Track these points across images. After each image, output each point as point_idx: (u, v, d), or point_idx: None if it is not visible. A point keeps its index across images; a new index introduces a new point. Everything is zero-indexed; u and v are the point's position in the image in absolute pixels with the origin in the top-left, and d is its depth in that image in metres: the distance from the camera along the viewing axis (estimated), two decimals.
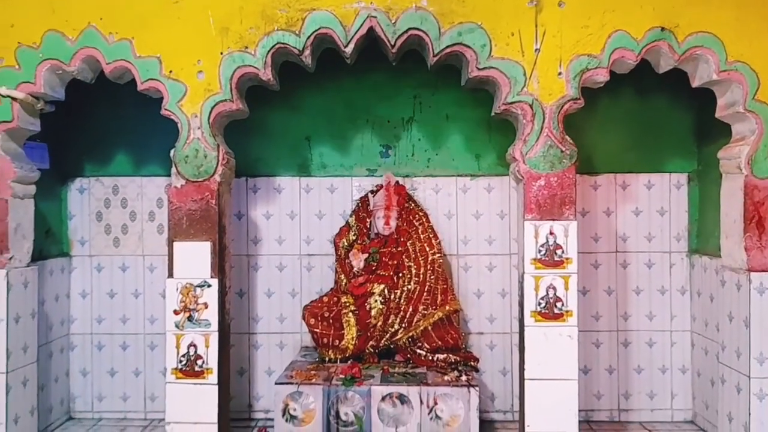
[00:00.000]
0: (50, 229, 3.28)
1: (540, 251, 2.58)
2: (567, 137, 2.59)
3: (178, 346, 2.63)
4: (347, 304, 3.14)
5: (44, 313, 3.12)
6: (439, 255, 3.18)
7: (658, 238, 3.37)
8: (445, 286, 3.14)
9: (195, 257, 2.62)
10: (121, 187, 3.43)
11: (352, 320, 3.11)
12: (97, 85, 2.81)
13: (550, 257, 2.57)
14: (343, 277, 3.23)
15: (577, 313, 2.57)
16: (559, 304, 2.57)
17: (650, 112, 3.35)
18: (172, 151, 2.62)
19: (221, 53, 2.59)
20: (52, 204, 3.32)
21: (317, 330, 3.12)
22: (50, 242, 3.28)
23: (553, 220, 2.58)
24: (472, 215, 3.40)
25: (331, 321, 3.12)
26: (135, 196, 3.43)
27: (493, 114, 2.79)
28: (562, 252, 2.57)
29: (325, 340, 3.10)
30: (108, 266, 3.44)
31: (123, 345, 3.44)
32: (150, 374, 3.43)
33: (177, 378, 2.63)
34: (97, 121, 3.39)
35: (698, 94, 2.85)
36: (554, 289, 2.57)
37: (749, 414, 2.51)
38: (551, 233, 2.57)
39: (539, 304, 2.57)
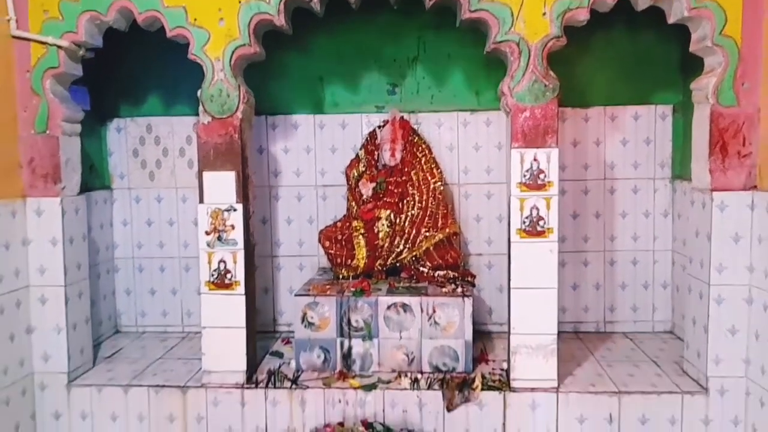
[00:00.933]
0: (93, 165, 3.67)
1: (525, 176, 2.89)
2: (551, 72, 2.87)
3: (210, 262, 3.03)
4: (358, 228, 3.51)
5: (92, 239, 3.53)
6: (440, 183, 3.51)
7: (644, 165, 3.66)
8: (445, 212, 3.49)
9: (222, 185, 2.99)
10: (154, 126, 3.80)
11: (362, 242, 3.48)
12: (129, 34, 3.13)
13: (534, 181, 2.89)
14: (354, 204, 3.60)
15: (557, 230, 2.90)
16: (541, 223, 2.90)
17: (638, 47, 3.58)
18: (199, 92, 2.96)
19: (239, 2, 2.89)
20: (94, 142, 3.69)
21: (332, 251, 3.50)
22: (93, 177, 3.67)
23: (537, 147, 2.88)
24: (472, 147, 3.71)
25: (343, 243, 3.50)
26: (166, 134, 3.80)
27: (485, 52, 3.07)
28: (545, 176, 2.88)
29: (339, 260, 3.49)
30: (145, 198, 3.85)
31: (161, 267, 3.87)
32: (186, 292, 3.87)
33: (210, 289, 3.04)
34: (131, 66, 3.73)
35: (683, 30, 3.07)
36: (537, 209, 2.89)
37: (708, 317, 2.86)
38: (535, 159, 2.88)
39: (524, 222, 2.90)
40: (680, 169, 3.57)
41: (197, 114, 3.05)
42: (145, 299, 3.89)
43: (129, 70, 3.74)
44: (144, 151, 3.82)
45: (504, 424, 2.94)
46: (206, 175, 3.00)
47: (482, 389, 2.96)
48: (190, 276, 3.84)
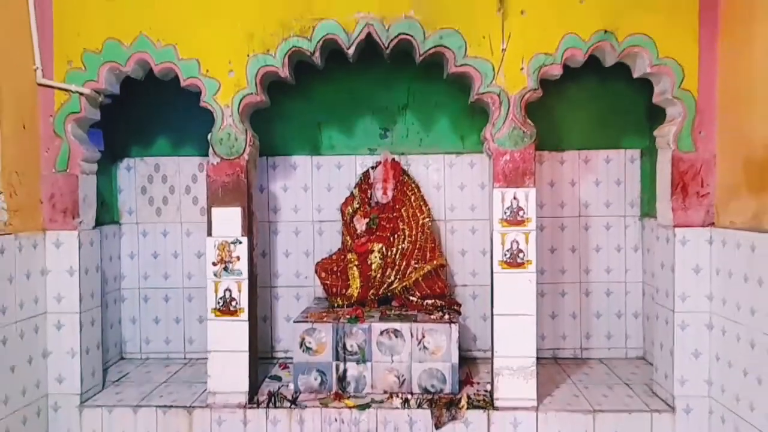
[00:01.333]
0: (104, 201, 3.93)
1: (506, 213, 3.19)
2: (528, 120, 3.20)
3: (216, 291, 3.28)
4: (352, 260, 3.78)
5: (101, 270, 3.77)
6: (428, 219, 3.81)
7: (615, 204, 3.98)
8: (433, 245, 3.78)
9: (229, 220, 3.26)
10: (162, 166, 4.08)
11: (356, 273, 3.75)
12: (139, 81, 3.43)
13: (514, 217, 3.19)
14: (348, 238, 3.88)
15: (535, 262, 3.18)
16: (521, 255, 3.19)
17: (609, 97, 3.93)
18: (209, 135, 3.25)
19: (248, 55, 3.20)
20: (105, 180, 3.95)
21: (327, 282, 3.76)
22: (104, 212, 3.92)
23: (517, 187, 3.19)
24: (458, 186, 4.02)
25: (339, 274, 3.76)
26: (173, 173, 4.08)
27: (470, 102, 3.40)
28: (524, 213, 3.18)
29: (334, 289, 3.75)
30: (152, 232, 4.10)
31: (165, 297, 4.11)
32: (188, 321, 4.10)
33: (216, 316, 3.28)
34: (141, 110, 4.02)
35: (648, 82, 3.40)
36: (517, 242, 3.19)
37: (673, 342, 3.14)
38: (515, 198, 3.18)
39: (505, 255, 3.19)
40: (648, 208, 3.88)
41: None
42: (149, 327, 4.12)
43: (139, 114, 4.03)
44: (152, 189, 4.08)
45: None
46: (215, 210, 3.27)
47: (468, 408, 3.21)
48: (192, 305, 4.08)
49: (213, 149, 3.26)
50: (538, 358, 3.25)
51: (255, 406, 3.28)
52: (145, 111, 4.02)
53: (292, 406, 3.27)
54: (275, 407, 3.27)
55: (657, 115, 3.54)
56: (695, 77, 3.12)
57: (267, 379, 3.65)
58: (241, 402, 3.28)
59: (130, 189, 4.09)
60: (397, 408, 3.24)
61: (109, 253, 3.96)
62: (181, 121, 3.98)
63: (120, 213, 4.10)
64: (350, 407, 3.24)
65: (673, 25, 3.12)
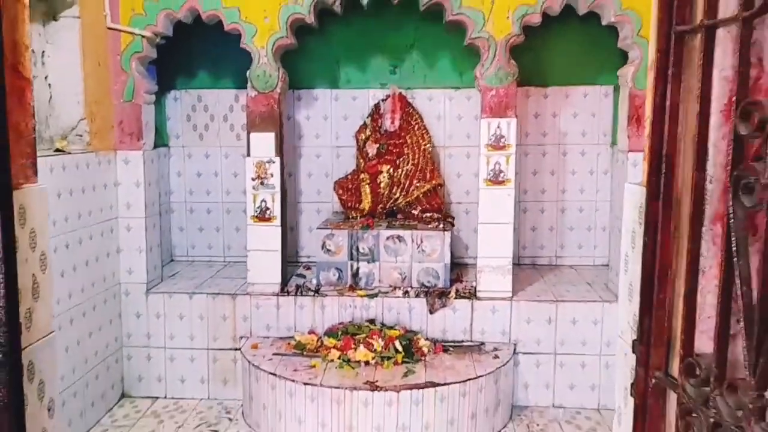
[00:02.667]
0: (156, 127, 4.64)
1: (491, 139, 3.88)
2: (512, 61, 3.84)
3: (254, 201, 4.04)
4: (364, 179, 4.50)
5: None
6: (429, 145, 4.51)
7: (590, 134, 4.65)
8: (432, 167, 4.50)
9: (264, 143, 3.98)
10: (203, 97, 4.78)
11: (368, 190, 4.48)
12: (185, 24, 4.08)
13: (497, 143, 3.88)
14: (361, 161, 4.59)
15: (513, 180, 3.90)
16: (502, 174, 3.90)
17: (587, 40, 4.50)
18: (247, 72, 3.93)
19: (280, 5, 3.85)
20: (156, 109, 4.65)
21: (344, 197, 4.51)
22: (156, 136, 4.64)
23: (500, 117, 3.87)
24: (456, 117, 4.69)
25: (353, 191, 4.50)
26: (213, 103, 4.77)
27: (465, 44, 4.04)
28: (505, 140, 3.87)
29: (349, 204, 4.50)
30: (195, 154, 4.84)
31: (207, 210, 4.88)
32: (227, 230, 4.89)
33: (254, 222, 4.05)
34: (186, 49, 4.68)
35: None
36: (499, 164, 3.89)
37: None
38: (498, 127, 3.87)
39: (489, 174, 3.90)
40: (616, 137, 4.55)
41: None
42: (194, 235, 4.91)
43: (184, 52, 4.69)
44: (195, 117, 4.80)
45: (471, 323, 3.98)
46: (253, 135, 3.99)
47: (456, 298, 3.99)
48: (231, 217, 4.86)
49: (251, 84, 3.95)
50: (518, 265, 4.01)
51: (285, 294, 4.09)
52: (189, 50, 4.69)
53: (315, 294, 4.07)
54: (302, 295, 4.07)
55: (627, 56, 4.16)
56: (650, 26, 3.72)
57: (294, 277, 4.45)
58: (275, 291, 4.09)
59: (177, 117, 4.81)
60: (399, 297, 4.03)
61: (161, 172, 4.70)
62: (219, 58, 4.65)
63: (169, 137, 4.83)
64: (362, 296, 4.04)
65: None
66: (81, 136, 3.74)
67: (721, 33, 1.39)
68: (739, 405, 1.24)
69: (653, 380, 1.54)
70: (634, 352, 1.64)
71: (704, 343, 1.42)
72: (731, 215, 1.26)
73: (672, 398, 1.49)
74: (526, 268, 4.66)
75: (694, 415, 1.37)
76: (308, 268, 4.62)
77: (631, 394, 1.63)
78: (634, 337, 1.65)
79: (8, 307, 1.69)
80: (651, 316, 1.56)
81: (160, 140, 4.73)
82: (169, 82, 4.75)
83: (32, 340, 1.83)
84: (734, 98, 1.29)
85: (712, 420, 1.31)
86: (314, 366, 3.64)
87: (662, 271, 1.53)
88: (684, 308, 1.44)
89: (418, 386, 3.44)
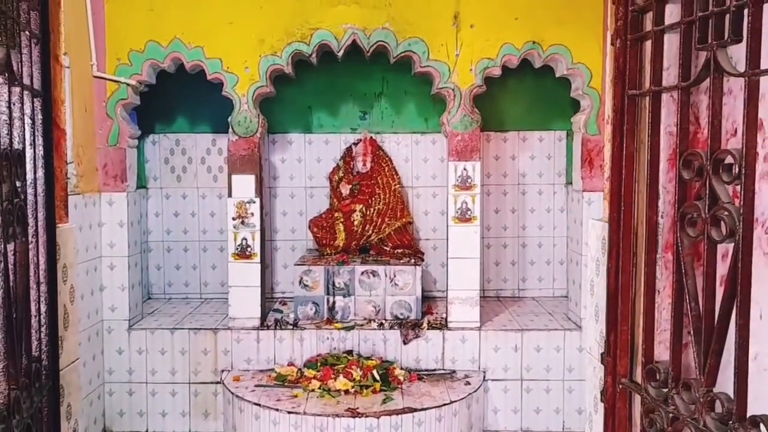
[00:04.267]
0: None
1: (458, 180, 4.19)
2: (475, 109, 4.18)
3: (235, 239, 4.23)
4: (338, 217, 4.75)
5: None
6: (398, 186, 4.80)
7: (546, 174, 5.02)
8: (402, 206, 4.79)
9: (245, 184, 4.20)
10: (182, 141, 4.98)
11: (342, 228, 4.73)
12: (165, 72, 4.31)
13: (464, 184, 4.19)
14: (335, 200, 4.85)
15: (480, 218, 4.21)
16: (468, 212, 4.20)
17: (542, 90, 4.89)
18: (229, 118, 4.16)
19: (260, 56, 4.12)
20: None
21: (319, 235, 4.74)
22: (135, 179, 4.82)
23: (466, 161, 4.19)
24: (422, 160, 5.01)
25: (327, 229, 4.74)
26: (191, 146, 4.98)
27: (431, 93, 4.37)
28: (471, 180, 4.19)
29: (324, 241, 4.73)
30: (173, 195, 5.01)
31: (185, 248, 5.04)
32: (204, 268, 5.05)
33: (235, 259, 4.24)
34: (165, 95, 4.89)
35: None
36: (466, 203, 4.20)
37: (581, 277, 4.21)
38: (464, 169, 4.19)
39: (457, 212, 4.20)
40: (570, 178, 4.92)
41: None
42: (171, 273, 5.05)
43: (163, 98, 4.89)
44: (173, 159, 4.99)
45: (443, 352, 4.23)
46: (234, 177, 4.21)
47: (428, 329, 4.24)
48: (207, 255, 5.03)
49: (233, 129, 4.19)
50: (484, 297, 4.29)
51: (265, 328, 4.27)
52: (168, 96, 4.89)
53: (294, 328, 4.27)
54: (281, 329, 4.26)
55: (578, 104, 4.57)
56: (600, 77, 4.13)
57: (271, 311, 4.63)
58: (255, 325, 4.26)
59: (155, 160, 4.99)
60: (374, 329, 4.26)
61: (139, 212, 4.86)
62: (197, 104, 4.87)
63: (147, 179, 5.00)
64: (338, 329, 4.25)
65: (584, 38, 4.11)
66: (69, 179, 3.89)
67: (665, 97, 1.72)
68: (693, 400, 1.53)
69: (620, 386, 1.82)
70: (602, 363, 1.92)
71: (662, 351, 1.71)
72: (679, 244, 1.56)
73: (636, 400, 1.78)
74: (490, 300, 4.95)
75: (656, 412, 1.65)
76: (284, 303, 4.81)
77: (602, 400, 1.91)
78: (602, 351, 1.93)
79: (51, 334, 1.88)
80: (616, 331, 1.85)
81: (139, 182, 4.89)
82: (149, 126, 4.94)
83: (63, 365, 2.01)
84: (677, 149, 1.61)
85: (671, 415, 1.60)
86: (296, 396, 3.82)
87: (624, 292, 1.83)
88: (644, 323, 1.74)
89: (396, 412, 3.65)
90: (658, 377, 1.65)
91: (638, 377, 1.76)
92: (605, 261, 1.93)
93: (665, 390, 1.63)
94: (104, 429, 4.22)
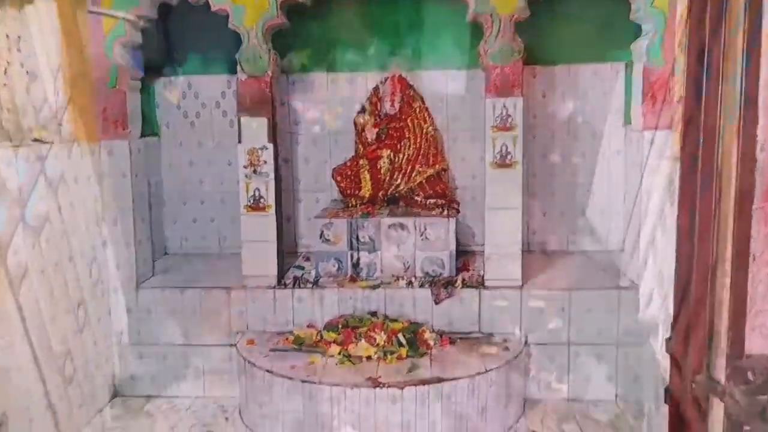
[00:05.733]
0: (145, 116, 4.43)
1: (497, 120, 3.66)
2: (517, 38, 3.61)
3: (247, 190, 3.83)
4: (364, 165, 4.29)
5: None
6: (431, 128, 4.29)
7: (600, 113, 4.41)
8: (435, 151, 4.28)
9: (256, 129, 3.77)
10: (194, 84, 4.56)
11: (368, 176, 4.27)
12: (172, 8, 3.87)
13: (503, 124, 3.66)
14: (360, 146, 4.38)
15: (521, 162, 3.68)
16: (509, 156, 3.68)
17: (598, 12, 4.24)
18: (237, 54, 3.71)
19: None
20: (145, 97, 4.44)
21: (342, 184, 4.30)
22: (145, 126, 4.42)
23: (506, 97, 3.64)
24: (459, 98, 4.46)
25: (352, 178, 4.29)
26: (204, 90, 4.56)
27: (467, 20, 3.80)
28: (512, 120, 3.65)
29: (348, 191, 4.28)
30: (186, 143, 4.63)
31: (201, 200, 4.68)
32: (221, 221, 4.68)
33: (248, 211, 3.85)
34: (175, 34, 4.47)
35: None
36: (506, 146, 3.67)
37: (639, 234, 3.65)
38: (504, 107, 3.65)
39: (496, 156, 3.69)
40: (630, 117, 4.30)
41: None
42: (188, 227, 4.71)
43: (173, 38, 4.47)
44: (185, 104, 4.58)
45: (479, 314, 3.77)
46: (244, 120, 3.78)
47: (462, 287, 3.78)
48: (225, 207, 4.64)
49: (241, 67, 3.73)
50: (528, 250, 3.78)
51: (283, 287, 3.89)
52: (178, 35, 4.46)
53: (314, 286, 3.87)
54: (300, 288, 3.87)
55: (639, 30, 3.93)
56: None
57: (292, 268, 4.24)
58: (271, 284, 3.89)
59: (167, 105, 4.59)
60: (402, 288, 3.83)
61: (151, 162, 4.49)
62: (209, 44, 4.42)
63: (159, 126, 4.62)
64: (363, 287, 3.83)
65: None
66: (62, 125, 3.53)
67: None
68: None
69: (692, 385, 1.33)
70: (667, 351, 1.43)
71: (757, 341, 1.20)
72: None
73: (717, 407, 1.29)
74: (535, 255, 4.44)
75: (747, 428, 1.16)
76: (307, 259, 4.42)
77: (665, 401, 1.42)
78: (667, 336, 1.44)
79: None
80: (688, 310, 1.35)
81: (149, 129, 4.52)
82: (158, 69, 4.53)
83: None
84: None
85: None
86: (313, 362, 3.44)
87: (701, 256, 1.32)
88: (730, 300, 1.23)
89: (423, 382, 3.24)
90: (751, 378, 1.16)
91: (720, 375, 1.27)
92: (674, 213, 1.41)
93: (762, 397, 1.13)
94: (115, 393, 3.95)
